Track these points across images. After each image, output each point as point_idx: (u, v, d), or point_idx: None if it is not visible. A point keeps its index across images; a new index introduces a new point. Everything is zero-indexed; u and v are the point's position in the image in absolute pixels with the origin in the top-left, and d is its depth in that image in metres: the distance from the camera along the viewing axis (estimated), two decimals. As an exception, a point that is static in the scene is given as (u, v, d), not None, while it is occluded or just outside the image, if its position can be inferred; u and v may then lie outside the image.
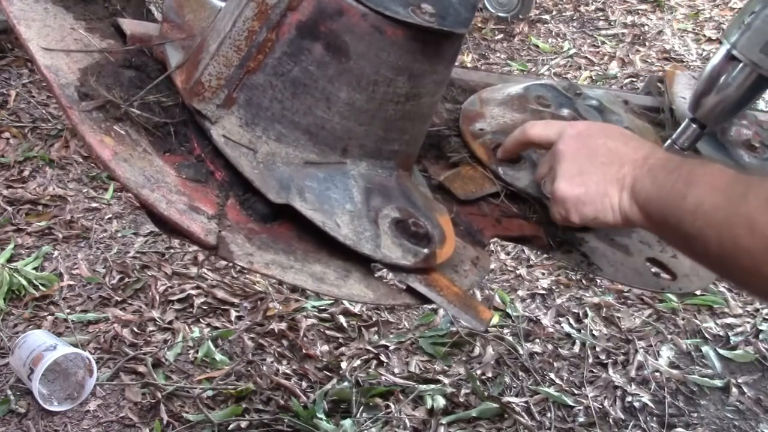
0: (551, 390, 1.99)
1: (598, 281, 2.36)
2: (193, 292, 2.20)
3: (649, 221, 0.82)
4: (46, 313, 2.10)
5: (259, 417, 1.84)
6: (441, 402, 1.90)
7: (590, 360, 2.10)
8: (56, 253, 2.31)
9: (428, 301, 0.87)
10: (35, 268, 2.22)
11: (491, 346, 2.11)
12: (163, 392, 1.89)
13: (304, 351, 2.03)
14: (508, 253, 2.49)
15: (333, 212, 0.84)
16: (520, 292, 2.33)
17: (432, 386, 1.96)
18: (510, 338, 2.14)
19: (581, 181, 0.86)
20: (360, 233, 0.84)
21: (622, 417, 1.95)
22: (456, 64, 0.98)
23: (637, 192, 0.82)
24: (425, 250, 0.86)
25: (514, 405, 1.93)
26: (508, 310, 2.24)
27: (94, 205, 2.51)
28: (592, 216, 0.86)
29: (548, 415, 1.93)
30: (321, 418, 1.83)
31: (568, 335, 2.18)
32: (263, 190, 0.83)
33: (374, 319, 2.17)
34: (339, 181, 0.86)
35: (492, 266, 2.39)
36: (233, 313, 2.15)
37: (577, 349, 2.14)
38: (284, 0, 0.82)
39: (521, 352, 2.10)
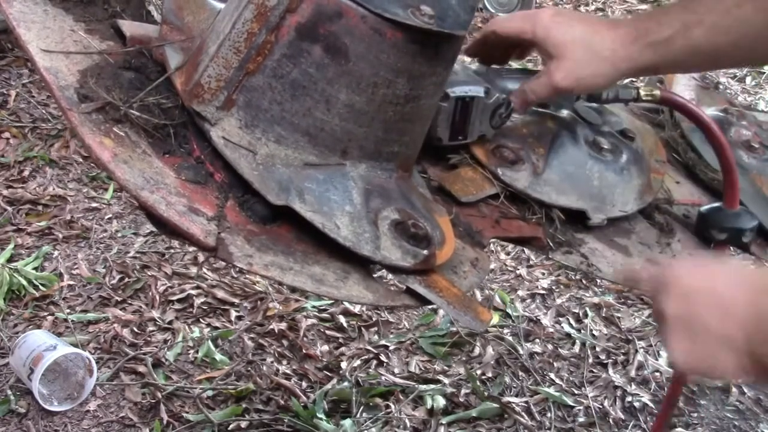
0: (551, 390, 1.99)
1: (598, 281, 2.36)
2: (193, 292, 2.20)
3: None
4: (46, 313, 2.10)
5: (259, 417, 1.84)
6: (441, 402, 1.90)
7: (590, 360, 2.10)
8: (56, 253, 2.31)
9: (428, 302, 0.87)
10: (35, 268, 2.22)
11: (491, 346, 2.11)
12: (163, 392, 1.89)
13: (304, 351, 2.04)
14: (508, 253, 2.49)
15: (332, 214, 0.84)
16: (520, 292, 2.33)
17: (432, 386, 1.96)
18: (510, 338, 2.14)
19: (693, 351, 0.78)
20: (359, 235, 0.84)
21: (622, 417, 1.95)
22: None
23: (753, 351, 0.74)
24: (425, 252, 0.86)
25: (514, 405, 1.93)
26: (508, 310, 2.24)
27: (94, 205, 2.52)
28: (712, 377, 0.82)
29: (548, 415, 1.93)
30: (321, 418, 1.83)
31: (568, 335, 2.18)
32: (263, 192, 0.83)
33: (374, 319, 2.17)
34: (338, 182, 0.86)
35: (492, 266, 2.39)
36: (233, 313, 2.15)
37: (577, 349, 2.14)
38: (283, 2, 0.82)
39: (521, 352, 2.10)
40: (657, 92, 1.11)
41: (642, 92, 1.11)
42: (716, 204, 1.21)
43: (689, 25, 0.93)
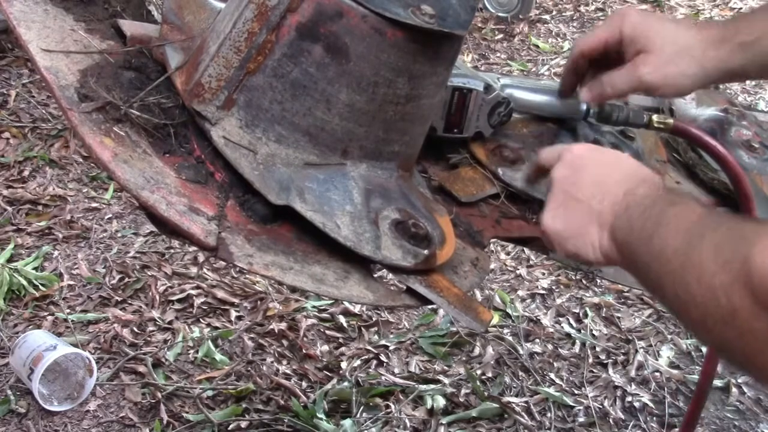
0: (551, 390, 1.99)
1: (598, 281, 2.36)
2: (193, 292, 2.20)
3: (625, 262, 0.76)
4: (46, 313, 2.10)
5: (259, 417, 1.84)
6: (441, 402, 1.90)
7: (590, 360, 2.10)
8: (56, 253, 2.31)
9: (428, 302, 0.87)
10: (35, 268, 2.22)
11: (491, 346, 2.11)
12: (163, 392, 1.89)
13: (304, 351, 2.03)
14: (508, 253, 2.49)
15: (333, 213, 0.84)
16: (520, 292, 2.33)
17: (432, 386, 1.96)
18: (510, 338, 2.14)
19: (564, 216, 0.81)
20: (360, 234, 0.84)
21: (622, 417, 1.95)
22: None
23: (614, 231, 0.76)
24: (425, 252, 0.86)
25: (514, 405, 1.93)
26: (508, 310, 2.24)
27: (94, 205, 2.51)
28: (573, 252, 0.81)
29: (548, 415, 1.93)
30: (321, 418, 1.83)
31: (568, 335, 2.18)
32: (263, 192, 0.83)
33: (374, 319, 2.17)
34: (339, 182, 0.86)
35: (492, 266, 2.39)
36: (233, 313, 2.15)
37: (577, 349, 2.14)
38: (284, 1, 0.82)
39: (521, 352, 2.10)
40: (670, 121, 1.08)
41: (655, 119, 1.07)
42: None
43: None
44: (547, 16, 3.99)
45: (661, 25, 0.93)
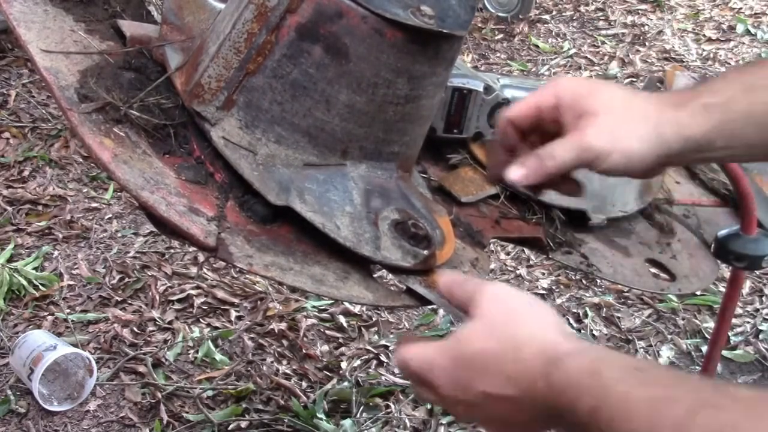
0: (551, 390, 1.98)
1: (598, 281, 2.36)
2: (193, 292, 2.20)
3: None
4: (46, 313, 2.10)
5: (259, 417, 1.84)
6: (441, 402, 1.90)
7: (590, 360, 2.10)
8: (56, 253, 2.31)
9: (428, 302, 0.87)
10: (35, 268, 2.22)
11: (491, 346, 2.11)
12: (163, 392, 1.89)
13: (304, 351, 2.04)
14: (508, 253, 2.49)
15: (333, 214, 0.84)
16: (520, 292, 2.33)
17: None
18: (510, 338, 2.14)
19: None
20: (360, 235, 0.84)
21: (622, 417, 1.94)
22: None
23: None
24: (425, 252, 0.86)
25: (513, 405, 1.92)
26: (508, 310, 2.24)
27: (94, 205, 2.52)
28: None
29: (548, 415, 1.93)
30: (321, 418, 1.83)
31: (568, 335, 2.18)
32: (263, 192, 0.83)
33: (374, 319, 2.17)
34: (339, 182, 0.86)
35: (492, 266, 2.39)
36: (233, 313, 2.15)
37: (576, 349, 2.14)
38: (284, 2, 0.82)
39: (521, 352, 2.10)
40: None
41: None
42: (734, 229, 1.19)
43: (752, 86, 0.73)
44: (547, 16, 3.99)
45: (606, 87, 0.76)
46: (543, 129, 0.78)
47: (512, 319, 0.66)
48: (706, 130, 0.73)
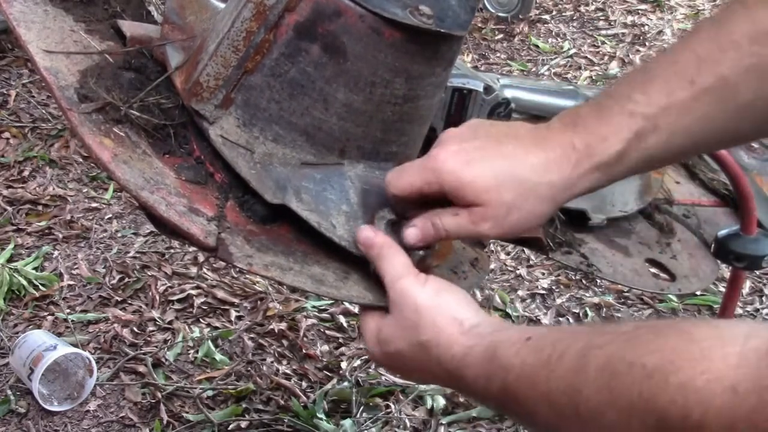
0: (551, 390, 1.98)
1: (598, 281, 2.36)
2: (193, 292, 2.20)
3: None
4: (46, 313, 2.10)
5: (259, 417, 1.84)
6: (441, 402, 1.90)
7: (590, 360, 2.10)
8: (56, 253, 2.32)
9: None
10: (35, 268, 2.22)
11: (491, 346, 2.11)
12: (163, 392, 1.89)
13: (304, 351, 2.04)
14: (508, 253, 2.49)
15: (329, 213, 0.84)
16: (520, 292, 2.33)
17: (432, 386, 1.96)
18: (510, 338, 2.14)
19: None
20: (355, 234, 0.84)
21: (622, 417, 1.94)
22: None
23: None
24: (420, 252, 0.86)
25: (513, 405, 1.92)
26: (508, 310, 2.24)
27: (94, 205, 2.52)
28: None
29: (548, 415, 1.93)
30: (321, 418, 1.83)
31: (568, 335, 2.18)
32: (260, 190, 0.83)
33: (374, 319, 2.17)
34: (335, 182, 0.86)
35: (492, 266, 2.39)
36: (233, 313, 2.15)
37: (576, 349, 2.14)
38: (282, 1, 0.82)
39: (521, 352, 2.10)
40: None
41: None
42: (734, 229, 1.19)
43: (642, 134, 0.73)
44: (547, 16, 3.99)
45: (489, 164, 0.75)
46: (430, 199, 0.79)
47: (415, 322, 0.76)
48: (600, 184, 0.76)
